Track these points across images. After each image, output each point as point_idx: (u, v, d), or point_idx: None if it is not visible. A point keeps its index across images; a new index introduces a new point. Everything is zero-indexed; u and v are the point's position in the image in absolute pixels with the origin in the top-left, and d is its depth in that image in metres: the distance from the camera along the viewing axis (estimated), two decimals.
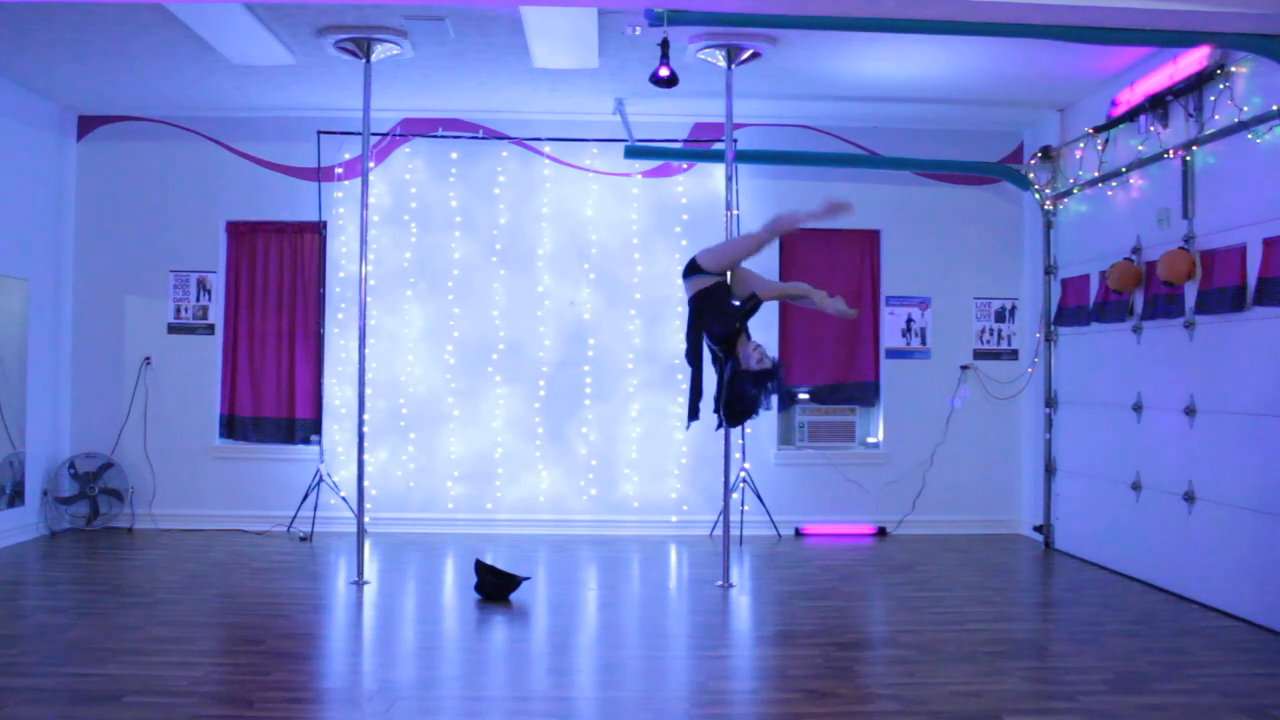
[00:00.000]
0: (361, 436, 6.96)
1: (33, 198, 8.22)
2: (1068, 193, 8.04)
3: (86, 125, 8.73)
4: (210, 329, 8.75)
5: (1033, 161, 8.42)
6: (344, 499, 8.33)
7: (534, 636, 5.65)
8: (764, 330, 8.53)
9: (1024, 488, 8.79)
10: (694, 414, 6.13)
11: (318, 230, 8.73)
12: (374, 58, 6.85)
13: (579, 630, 5.75)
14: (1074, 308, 7.92)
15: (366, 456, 7.11)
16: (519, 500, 8.69)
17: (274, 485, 8.60)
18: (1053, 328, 8.33)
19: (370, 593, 6.53)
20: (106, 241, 8.69)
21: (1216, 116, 6.22)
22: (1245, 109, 5.95)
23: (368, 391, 7.16)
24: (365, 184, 6.96)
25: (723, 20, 5.99)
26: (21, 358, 8.05)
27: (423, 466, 8.68)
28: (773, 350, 8.67)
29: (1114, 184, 7.35)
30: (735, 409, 5.86)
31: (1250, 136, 5.91)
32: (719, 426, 6.42)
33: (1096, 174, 7.53)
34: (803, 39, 6.70)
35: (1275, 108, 5.68)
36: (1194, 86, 6.35)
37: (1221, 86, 6.14)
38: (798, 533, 8.69)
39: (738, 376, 5.73)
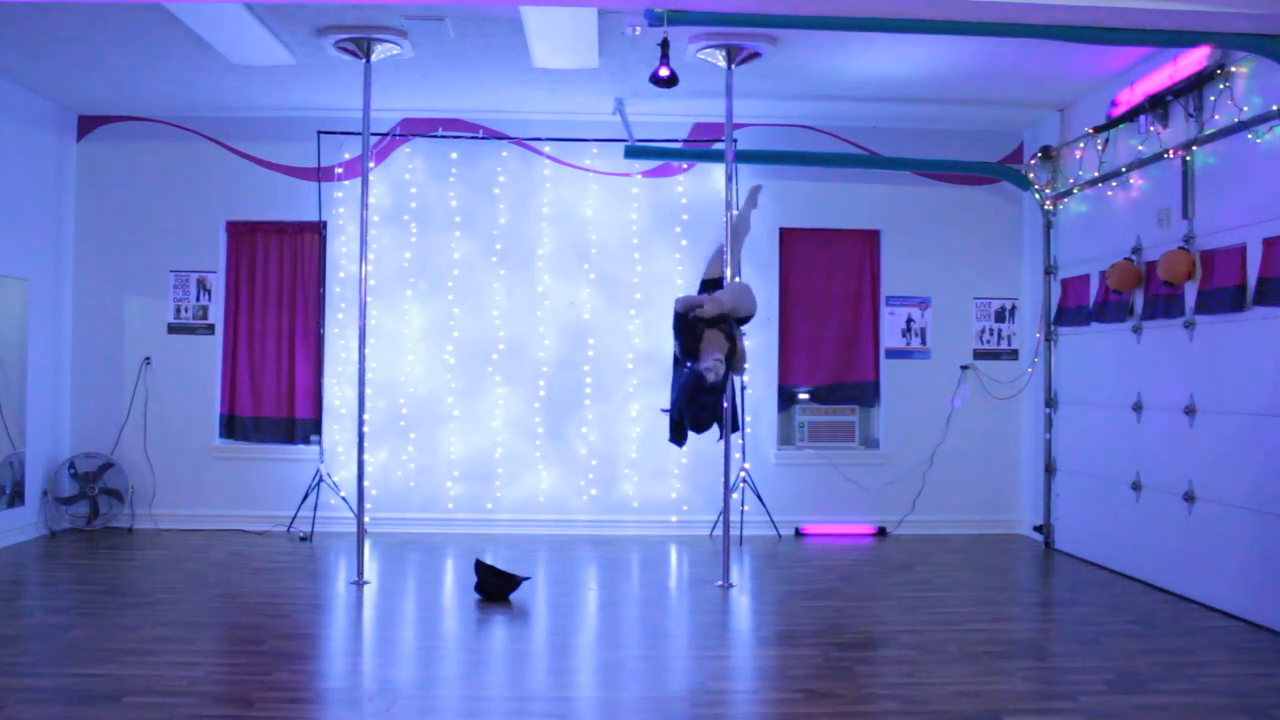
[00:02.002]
0: (361, 436, 6.95)
1: (33, 198, 8.22)
2: (1068, 193, 8.04)
3: (86, 125, 8.73)
4: (210, 329, 8.75)
5: (1033, 161, 8.42)
6: (344, 499, 8.33)
7: (534, 636, 5.65)
8: (764, 330, 8.55)
9: (1024, 488, 8.79)
10: (680, 435, 6.10)
11: (318, 230, 8.73)
12: (374, 58, 6.84)
13: (579, 630, 5.75)
14: (1074, 308, 7.92)
15: (366, 456, 7.11)
16: (519, 500, 8.69)
17: (274, 485, 8.60)
18: (1053, 328, 8.33)
19: (370, 593, 6.53)
20: (106, 241, 8.69)
21: (1216, 116, 6.22)
22: (1245, 109, 5.95)
23: (368, 391, 7.16)
24: (365, 184, 6.96)
25: (723, 20, 5.98)
26: (21, 358, 8.04)
27: (423, 466, 8.68)
28: (769, 357, 8.70)
29: (1114, 184, 7.35)
30: (692, 413, 5.90)
31: (1250, 136, 5.91)
32: (720, 438, 6.48)
33: (1096, 174, 7.53)
34: (803, 39, 6.70)
35: (1275, 108, 5.68)
36: (1194, 86, 6.35)
37: (1221, 86, 6.14)
38: (798, 533, 8.69)
39: (691, 376, 5.80)
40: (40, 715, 4.22)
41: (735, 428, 6.94)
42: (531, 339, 8.72)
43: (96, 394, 8.64)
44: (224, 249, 8.83)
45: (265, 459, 8.68)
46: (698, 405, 5.87)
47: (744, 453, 8.53)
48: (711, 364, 5.78)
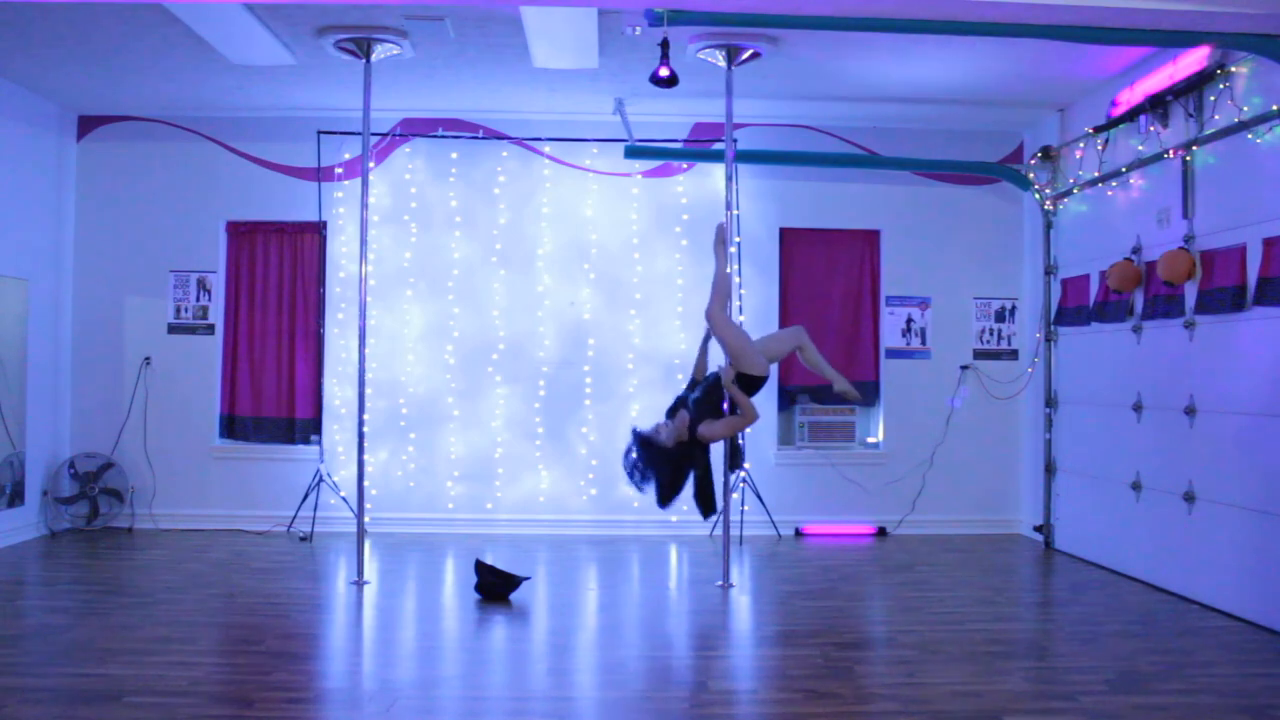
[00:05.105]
0: (361, 436, 6.95)
1: (33, 198, 8.22)
2: (1068, 193, 8.04)
3: (86, 125, 8.73)
4: (210, 329, 8.75)
5: (1033, 161, 8.42)
6: (344, 499, 8.33)
7: (534, 636, 5.65)
8: (764, 329, 8.52)
9: (1024, 488, 8.79)
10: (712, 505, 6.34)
11: (318, 230, 8.73)
12: (374, 58, 6.84)
13: (579, 630, 5.75)
14: (1074, 308, 7.92)
15: (366, 456, 7.11)
16: (519, 500, 8.69)
17: (274, 485, 8.60)
18: (1053, 328, 8.33)
19: (370, 593, 6.53)
20: (106, 241, 8.69)
21: (1216, 116, 6.22)
22: (1245, 109, 5.94)
23: (368, 391, 7.15)
24: (365, 184, 6.96)
25: (723, 20, 5.98)
26: (21, 358, 8.04)
27: (423, 466, 8.67)
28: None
29: (1114, 184, 7.35)
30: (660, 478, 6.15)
31: (1250, 136, 5.91)
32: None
33: (1096, 174, 7.53)
34: (803, 39, 6.70)
35: (1275, 108, 5.68)
36: (1194, 86, 6.35)
37: (1221, 86, 6.14)
38: (798, 533, 8.69)
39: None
40: (40, 715, 4.22)
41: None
42: (531, 339, 8.72)
43: (96, 394, 8.64)
44: (224, 249, 8.83)
45: (265, 459, 8.68)
46: (658, 468, 6.01)
47: (744, 453, 8.52)
48: (652, 427, 6.12)
